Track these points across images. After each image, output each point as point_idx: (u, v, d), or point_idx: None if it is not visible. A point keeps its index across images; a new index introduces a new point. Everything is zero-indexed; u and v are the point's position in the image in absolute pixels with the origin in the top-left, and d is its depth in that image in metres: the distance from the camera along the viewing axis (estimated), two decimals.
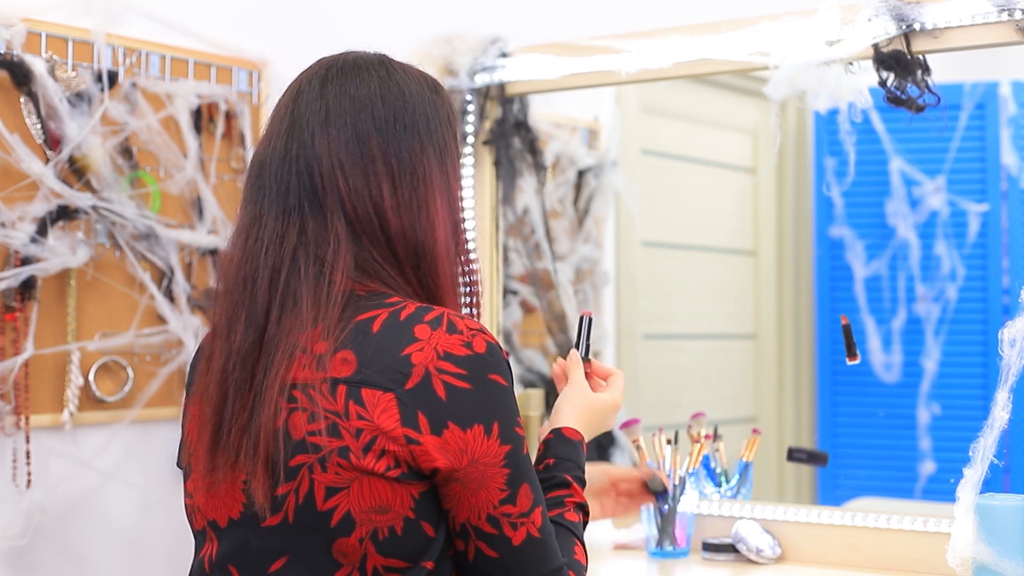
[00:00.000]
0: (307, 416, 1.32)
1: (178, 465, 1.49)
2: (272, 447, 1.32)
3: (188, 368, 1.54)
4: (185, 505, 1.46)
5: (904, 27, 2.04)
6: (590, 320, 1.73)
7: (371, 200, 1.39)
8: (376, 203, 1.39)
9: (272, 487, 1.33)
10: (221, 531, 1.39)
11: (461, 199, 1.50)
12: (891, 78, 2.05)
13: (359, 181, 1.39)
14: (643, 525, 2.27)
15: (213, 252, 2.41)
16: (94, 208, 2.21)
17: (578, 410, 1.60)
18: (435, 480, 1.34)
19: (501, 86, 2.51)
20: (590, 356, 1.71)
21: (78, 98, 2.20)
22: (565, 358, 1.69)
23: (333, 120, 1.40)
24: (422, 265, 1.42)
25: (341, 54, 1.47)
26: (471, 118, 2.53)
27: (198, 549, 1.44)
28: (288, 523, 1.33)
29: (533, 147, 2.59)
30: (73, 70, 2.20)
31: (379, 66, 1.45)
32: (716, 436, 2.37)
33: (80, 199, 2.19)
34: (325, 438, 1.31)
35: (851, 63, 2.10)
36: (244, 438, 1.34)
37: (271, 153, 1.41)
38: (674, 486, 2.24)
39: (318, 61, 1.47)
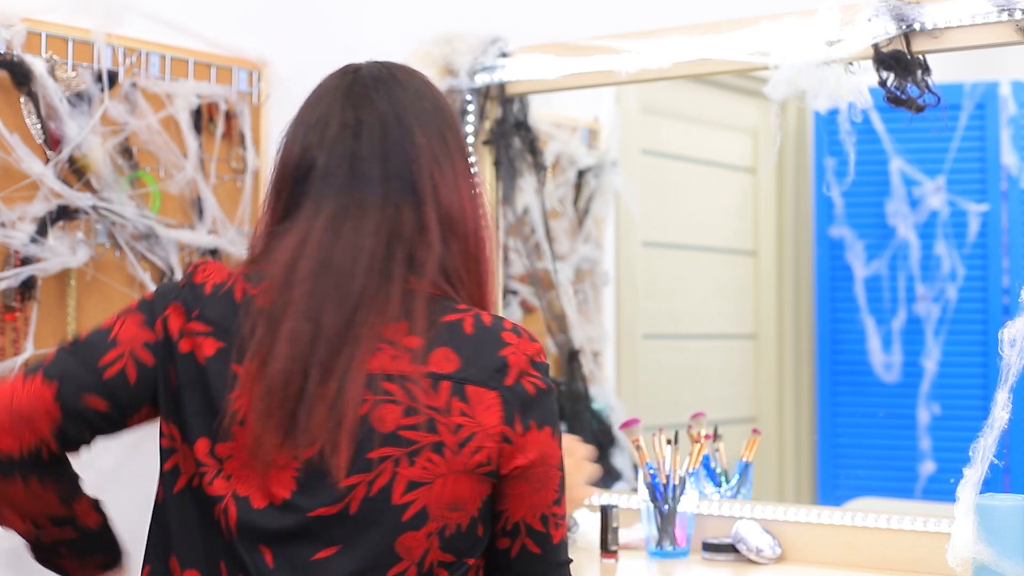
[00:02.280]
0: (402, 409, 1.35)
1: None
2: (356, 434, 1.34)
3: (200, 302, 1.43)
4: (199, 460, 1.40)
5: (904, 27, 2.04)
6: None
7: (456, 193, 1.46)
8: (460, 195, 1.46)
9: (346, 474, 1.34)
10: (252, 510, 1.37)
11: None
12: (891, 78, 2.05)
13: (448, 174, 1.46)
14: (643, 525, 2.27)
15: (213, 252, 2.41)
16: (94, 208, 2.21)
17: None
18: (506, 478, 1.39)
19: (501, 86, 2.51)
20: None
21: (78, 98, 2.20)
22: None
23: (423, 115, 1.47)
24: (480, 257, 1.48)
25: (371, 62, 1.52)
26: (471, 118, 2.53)
27: (210, 506, 1.38)
28: (348, 513, 1.34)
29: (533, 147, 2.59)
30: (73, 70, 2.20)
31: (419, 71, 1.53)
32: (716, 436, 2.37)
33: (80, 199, 2.19)
34: (422, 433, 1.34)
35: (851, 63, 2.10)
36: (329, 420, 1.34)
37: (367, 143, 1.43)
38: (674, 486, 2.24)
39: (352, 65, 1.52)
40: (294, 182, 1.45)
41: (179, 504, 1.42)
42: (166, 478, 1.44)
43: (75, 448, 1.45)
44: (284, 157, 1.48)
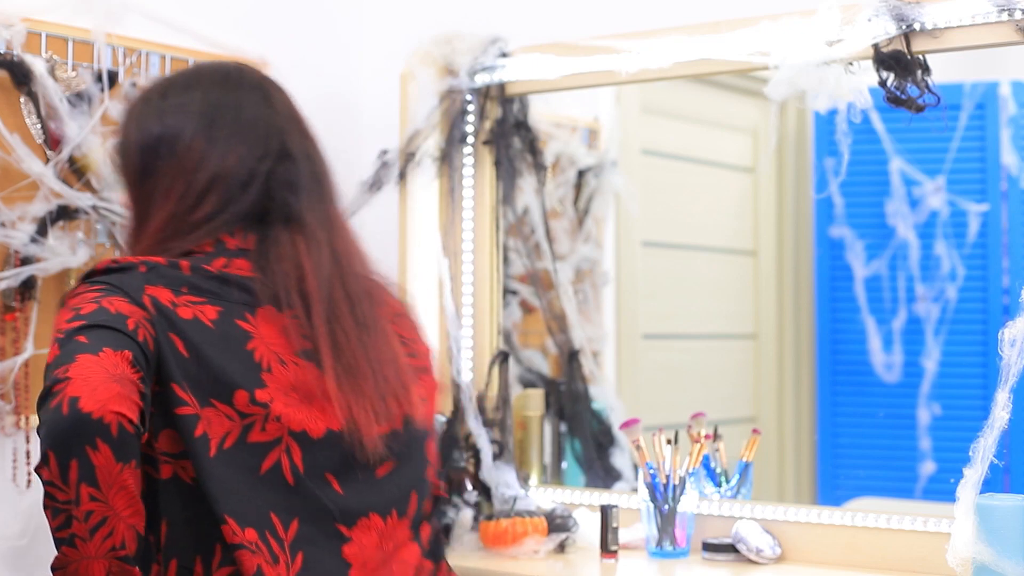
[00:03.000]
0: (399, 340, 1.60)
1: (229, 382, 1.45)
2: (393, 365, 1.57)
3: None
4: (243, 412, 1.43)
5: (904, 27, 2.04)
6: None
7: None
8: None
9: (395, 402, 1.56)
10: (313, 442, 1.47)
11: None
12: (891, 78, 2.05)
13: None
14: (643, 525, 2.27)
15: None
16: (94, 208, 2.21)
17: None
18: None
19: (501, 86, 2.51)
20: None
21: (78, 98, 2.20)
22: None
23: None
24: None
25: (233, 63, 1.69)
26: (471, 118, 2.53)
27: (258, 457, 1.43)
28: (398, 430, 1.55)
29: (533, 147, 2.59)
30: (73, 70, 2.20)
31: None
32: (716, 436, 2.37)
33: (80, 199, 2.19)
34: (417, 360, 1.62)
35: (851, 63, 2.10)
36: (375, 354, 1.55)
37: (307, 146, 1.62)
38: (674, 486, 2.24)
39: (229, 63, 1.68)
40: (242, 186, 1.55)
41: (221, 465, 1.41)
42: (196, 446, 1.41)
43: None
44: (196, 155, 1.54)
